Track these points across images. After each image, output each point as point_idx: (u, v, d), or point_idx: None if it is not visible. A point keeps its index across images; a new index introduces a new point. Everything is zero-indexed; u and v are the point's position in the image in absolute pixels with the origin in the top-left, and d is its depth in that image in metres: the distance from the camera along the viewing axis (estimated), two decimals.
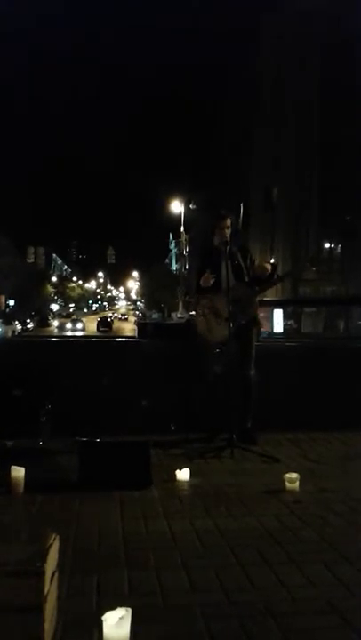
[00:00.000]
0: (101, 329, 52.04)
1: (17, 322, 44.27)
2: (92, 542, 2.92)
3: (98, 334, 39.94)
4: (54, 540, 2.05)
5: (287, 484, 3.73)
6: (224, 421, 4.82)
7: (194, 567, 2.63)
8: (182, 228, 45.93)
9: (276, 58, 40.09)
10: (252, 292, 5.01)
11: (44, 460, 4.35)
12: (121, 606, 1.97)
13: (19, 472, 3.68)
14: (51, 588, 1.97)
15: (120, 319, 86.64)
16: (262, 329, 6.62)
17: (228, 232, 5.01)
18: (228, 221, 5.07)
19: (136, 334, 6.38)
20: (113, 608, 1.97)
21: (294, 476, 3.75)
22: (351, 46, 30.92)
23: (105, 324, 57.56)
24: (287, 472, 3.83)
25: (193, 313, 5.25)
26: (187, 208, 46.56)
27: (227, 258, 4.92)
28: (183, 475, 3.96)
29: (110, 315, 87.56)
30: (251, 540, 2.94)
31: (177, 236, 55.71)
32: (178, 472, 3.96)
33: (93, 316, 74.42)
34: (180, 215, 45.48)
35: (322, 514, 3.32)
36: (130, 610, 1.96)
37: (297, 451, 4.82)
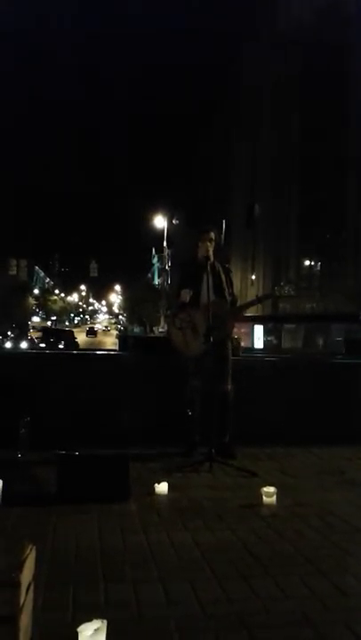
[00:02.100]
0: (89, 335, 68.13)
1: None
2: (69, 555, 2.91)
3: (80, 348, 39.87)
4: (30, 551, 2.05)
5: (265, 498, 3.76)
6: (203, 435, 4.85)
7: (170, 580, 2.63)
8: (165, 243, 46.09)
9: (256, 77, 40.69)
10: (231, 309, 5.07)
11: (22, 473, 4.33)
12: (97, 618, 1.98)
13: None
14: (26, 600, 1.97)
15: (103, 330, 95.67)
16: (242, 344, 6.70)
17: (210, 247, 5.05)
18: (212, 235, 5.11)
19: (117, 347, 6.38)
20: (89, 620, 1.97)
21: (272, 490, 3.78)
22: (331, 61, 31.56)
23: (92, 332, 79.80)
24: (265, 486, 3.85)
25: (166, 326, 5.30)
26: (169, 223, 46.79)
27: (208, 273, 4.96)
28: (161, 488, 3.96)
29: (94, 326, 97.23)
30: (227, 553, 2.96)
31: (160, 250, 55.86)
32: (156, 485, 3.97)
33: (75, 330, 73.96)
34: (163, 230, 45.68)
35: (298, 528, 3.35)
36: (105, 622, 1.97)
37: (275, 465, 4.85)
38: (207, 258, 5.00)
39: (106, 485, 3.81)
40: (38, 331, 55.19)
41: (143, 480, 4.15)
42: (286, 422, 5.58)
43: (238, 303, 5.36)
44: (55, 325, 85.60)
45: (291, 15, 34.40)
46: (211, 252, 5.02)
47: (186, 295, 5.00)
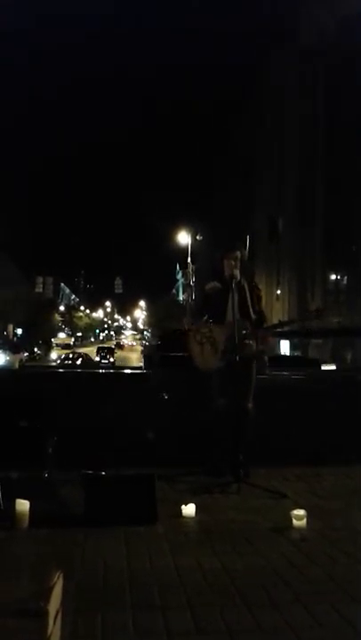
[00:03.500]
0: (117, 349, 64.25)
1: (25, 351, 44.29)
2: (97, 579, 2.88)
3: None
4: (58, 578, 2.02)
5: (294, 521, 3.69)
6: (228, 455, 4.80)
7: (199, 607, 2.59)
8: (189, 259, 46.18)
9: (280, 89, 40.79)
10: (253, 330, 5.02)
11: (49, 494, 4.32)
12: None
13: (23, 506, 3.66)
14: (54, 629, 1.95)
15: (130, 346, 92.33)
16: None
17: (236, 265, 5.04)
18: (238, 254, 5.11)
19: (143, 365, 6.38)
20: None
21: (302, 512, 3.71)
22: (358, 76, 31.43)
23: (119, 346, 73.72)
24: (294, 508, 3.78)
25: (187, 334, 5.30)
26: (193, 239, 46.91)
27: (233, 291, 4.94)
28: (189, 510, 3.92)
29: (120, 341, 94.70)
30: (257, 579, 2.90)
31: (184, 266, 56.01)
32: (183, 507, 3.92)
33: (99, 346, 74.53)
34: (187, 246, 45.79)
35: (330, 552, 3.27)
36: None
37: (304, 486, 4.76)
38: (232, 276, 4.98)
39: (133, 507, 3.79)
40: (62, 347, 57.19)
41: (170, 501, 4.11)
42: (315, 441, 5.49)
43: (264, 321, 5.30)
44: (81, 342, 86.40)
45: (317, 24, 34.36)
46: (237, 271, 5.00)
47: (215, 287, 5.01)
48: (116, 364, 44.23)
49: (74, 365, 37.22)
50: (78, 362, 40.93)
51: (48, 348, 58.31)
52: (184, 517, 3.87)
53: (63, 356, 45.28)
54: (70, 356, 45.04)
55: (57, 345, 64.97)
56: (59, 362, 41.65)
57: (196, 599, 2.67)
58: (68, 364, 38.31)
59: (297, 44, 36.64)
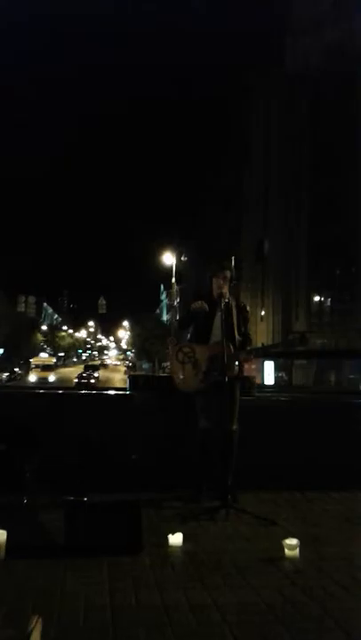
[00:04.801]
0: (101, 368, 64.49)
1: (6, 372, 43.73)
2: (78, 617, 2.67)
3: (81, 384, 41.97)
4: (36, 623, 1.83)
5: (287, 551, 3.51)
6: (215, 479, 4.63)
7: None
8: (173, 279, 46.20)
9: (265, 113, 41.30)
10: (237, 353, 4.88)
11: (27, 521, 4.10)
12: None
13: (1, 536, 3.44)
14: None
15: (114, 365, 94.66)
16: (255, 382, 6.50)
17: (225, 284, 4.92)
18: (228, 274, 5.00)
19: (127, 386, 6.19)
20: None
21: (294, 542, 3.53)
22: (343, 95, 31.89)
23: (104, 366, 75.79)
24: (286, 537, 3.61)
25: (168, 355, 5.21)
26: (178, 260, 46.99)
27: (222, 311, 4.82)
28: (176, 539, 3.72)
29: (104, 361, 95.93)
30: (250, 616, 2.71)
31: (168, 286, 56.04)
32: (170, 536, 3.72)
33: (81, 366, 73.52)
34: (172, 266, 45.85)
35: (325, 586, 3.09)
36: None
37: (294, 512, 4.59)
38: (221, 295, 4.86)
39: (116, 535, 3.59)
40: (41, 369, 55.60)
41: (155, 529, 3.91)
42: (303, 465, 5.33)
43: (249, 344, 5.16)
44: (63, 362, 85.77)
45: (300, 49, 34.95)
46: (226, 290, 4.89)
47: (202, 305, 4.89)
48: (99, 385, 43.74)
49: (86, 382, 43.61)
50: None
51: (29, 368, 57.38)
52: (171, 547, 3.67)
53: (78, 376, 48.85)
54: (85, 375, 49.62)
55: (35, 366, 58.43)
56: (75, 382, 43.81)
57: (186, 639, 2.47)
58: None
59: (282, 69, 37.25)
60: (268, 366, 32.31)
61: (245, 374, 5.38)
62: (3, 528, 3.46)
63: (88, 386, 38.56)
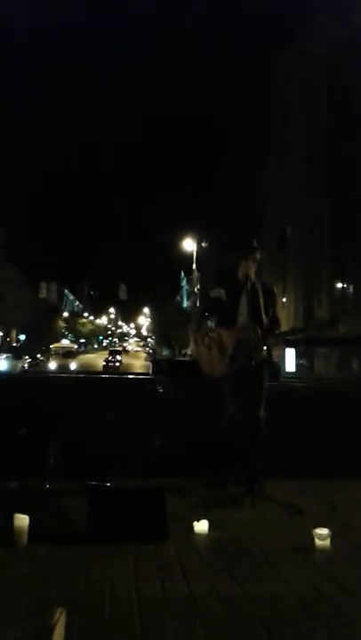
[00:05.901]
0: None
1: (27, 357, 43.91)
2: (103, 607, 2.56)
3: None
4: (60, 615, 1.73)
5: (317, 541, 3.38)
6: (241, 466, 4.50)
7: None
8: (194, 266, 45.96)
9: (285, 95, 40.67)
10: (266, 336, 4.73)
11: (50, 506, 4.02)
12: None
13: (22, 521, 3.36)
14: None
15: (134, 352, 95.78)
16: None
17: (254, 266, 4.76)
18: (258, 255, 4.83)
19: (150, 371, 6.09)
20: None
21: (325, 532, 3.40)
22: None
23: (125, 351, 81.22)
24: (315, 526, 3.48)
25: (193, 343, 5.09)
26: (199, 246, 46.72)
27: (248, 294, 4.66)
28: (201, 527, 3.61)
29: (120, 349, 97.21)
30: (283, 610, 2.57)
31: (188, 273, 55.81)
32: (196, 524, 3.62)
33: (102, 353, 73.73)
34: (192, 253, 45.58)
35: (360, 578, 2.95)
36: None
37: (323, 501, 4.44)
38: (247, 277, 4.70)
39: (141, 522, 3.49)
40: (62, 355, 56.03)
41: (180, 516, 3.78)
42: (331, 452, 5.19)
43: (277, 327, 5.00)
44: (85, 348, 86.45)
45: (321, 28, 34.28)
46: (252, 272, 4.72)
47: (221, 294, 4.75)
48: (121, 369, 44.65)
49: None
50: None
51: (49, 354, 57.49)
52: (197, 535, 3.56)
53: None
54: (111, 359, 52.00)
55: (56, 352, 58.07)
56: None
57: (215, 632, 2.36)
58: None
59: (299, 50, 36.59)
60: (290, 353, 32.06)
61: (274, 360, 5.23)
62: (25, 513, 3.38)
63: (114, 369, 44.52)
